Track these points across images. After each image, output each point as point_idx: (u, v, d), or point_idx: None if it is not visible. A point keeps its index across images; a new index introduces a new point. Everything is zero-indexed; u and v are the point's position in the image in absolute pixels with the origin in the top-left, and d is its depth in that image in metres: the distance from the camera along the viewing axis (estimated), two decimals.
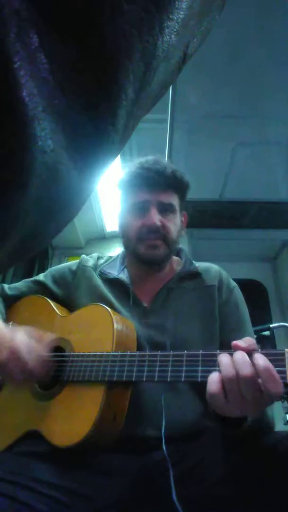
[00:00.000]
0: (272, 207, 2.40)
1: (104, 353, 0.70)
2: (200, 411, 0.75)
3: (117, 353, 0.69)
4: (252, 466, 0.62)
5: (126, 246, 0.95)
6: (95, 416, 0.64)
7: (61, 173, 0.21)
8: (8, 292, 0.96)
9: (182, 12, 0.22)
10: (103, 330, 0.74)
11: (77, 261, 1.02)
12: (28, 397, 0.77)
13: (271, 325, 1.84)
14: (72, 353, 0.75)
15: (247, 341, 0.57)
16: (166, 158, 1.02)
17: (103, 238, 2.72)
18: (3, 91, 0.15)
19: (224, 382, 0.54)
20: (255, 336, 1.19)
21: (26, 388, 0.78)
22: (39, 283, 0.98)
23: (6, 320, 0.90)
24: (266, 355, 0.54)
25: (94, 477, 0.66)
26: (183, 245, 1.08)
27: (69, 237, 2.57)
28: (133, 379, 0.65)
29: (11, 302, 0.96)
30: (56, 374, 0.75)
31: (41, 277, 1.00)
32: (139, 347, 0.77)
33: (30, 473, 0.62)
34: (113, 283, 0.92)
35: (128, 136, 0.28)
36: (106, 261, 1.01)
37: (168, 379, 0.62)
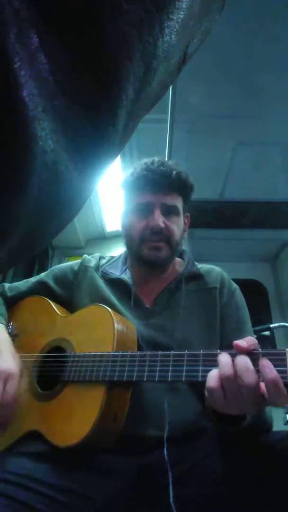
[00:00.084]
0: (272, 207, 2.40)
1: (105, 353, 0.70)
2: (199, 411, 0.75)
3: (117, 353, 0.69)
4: (252, 466, 0.62)
5: (129, 247, 0.95)
6: (95, 416, 0.64)
7: (61, 173, 0.21)
8: (9, 292, 0.96)
9: (182, 12, 0.22)
10: (104, 330, 0.74)
11: (79, 261, 1.01)
12: (29, 398, 0.77)
13: (271, 325, 1.84)
14: (73, 354, 0.75)
15: (248, 340, 0.57)
16: (166, 158, 1.02)
17: (103, 238, 2.72)
18: (3, 91, 0.15)
19: (222, 380, 0.54)
20: (255, 336, 1.19)
21: (26, 387, 0.78)
22: (40, 282, 0.98)
23: (7, 321, 0.90)
24: (266, 354, 0.54)
25: (94, 477, 0.66)
26: (183, 245, 1.08)
27: (69, 237, 2.57)
28: (134, 379, 0.65)
29: (12, 302, 0.96)
30: (56, 374, 0.75)
31: (42, 276, 1.00)
32: (140, 348, 0.77)
33: (30, 473, 0.62)
34: (115, 283, 0.92)
35: (128, 137, 0.28)
36: (108, 261, 1.01)
37: (169, 379, 0.62)
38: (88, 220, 2.49)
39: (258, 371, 0.53)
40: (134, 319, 0.83)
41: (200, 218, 2.50)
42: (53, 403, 0.73)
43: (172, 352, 0.64)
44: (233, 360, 0.55)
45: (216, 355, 0.58)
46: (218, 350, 0.59)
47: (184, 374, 0.61)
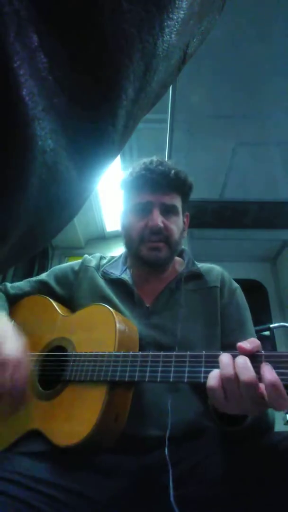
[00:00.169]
0: (272, 207, 2.40)
1: (107, 353, 0.70)
2: (200, 411, 0.75)
3: (119, 353, 0.69)
4: (252, 466, 0.62)
5: (128, 247, 0.95)
6: (96, 416, 0.64)
7: (61, 173, 0.21)
8: (11, 290, 0.96)
9: (182, 12, 0.22)
10: (105, 330, 0.74)
11: (79, 261, 1.02)
12: (30, 397, 0.77)
13: (271, 325, 1.84)
14: (74, 353, 0.75)
15: (252, 342, 0.56)
16: (166, 158, 1.02)
17: (103, 238, 2.72)
18: (3, 91, 0.15)
19: (222, 380, 0.54)
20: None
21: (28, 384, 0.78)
22: (41, 282, 0.98)
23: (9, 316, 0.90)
24: (270, 357, 0.54)
25: (94, 477, 0.66)
26: (183, 245, 1.08)
27: (69, 237, 2.57)
28: (136, 379, 0.65)
29: (13, 300, 0.96)
30: (58, 374, 0.75)
31: (43, 276, 1.00)
32: (141, 348, 0.77)
33: (30, 472, 0.62)
34: (115, 283, 0.92)
35: (128, 136, 0.28)
36: (108, 261, 1.01)
37: (171, 380, 0.62)
38: (88, 220, 2.49)
39: (258, 372, 0.53)
40: (134, 319, 0.83)
41: (200, 218, 2.50)
42: (54, 402, 0.73)
43: (174, 352, 0.64)
44: (234, 361, 0.55)
45: (218, 356, 0.58)
46: (220, 351, 0.59)
47: (186, 375, 0.61)
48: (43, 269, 2.36)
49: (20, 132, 0.16)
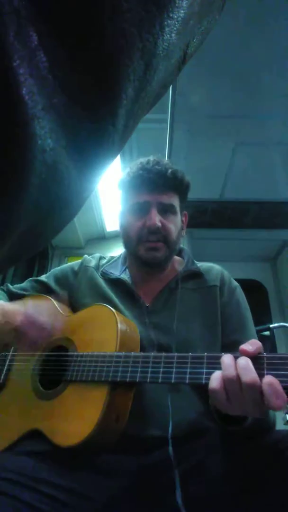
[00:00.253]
0: (272, 207, 2.40)
1: (108, 354, 0.70)
2: (202, 411, 0.75)
3: (121, 354, 0.69)
4: (254, 465, 0.62)
5: (127, 246, 0.95)
6: (97, 416, 0.64)
7: (61, 173, 0.21)
8: (14, 290, 0.97)
9: (182, 11, 0.22)
10: (107, 330, 0.74)
11: (79, 261, 1.02)
12: (31, 396, 0.77)
13: (271, 325, 1.84)
14: (75, 353, 0.75)
15: (253, 344, 0.56)
16: (166, 158, 1.02)
17: (103, 238, 2.72)
18: (3, 90, 0.15)
19: (224, 381, 0.54)
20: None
21: (28, 383, 0.78)
22: (42, 283, 0.99)
23: None
24: (273, 358, 0.54)
25: (94, 477, 0.66)
26: (183, 245, 1.08)
27: (69, 237, 2.57)
28: (137, 380, 0.65)
29: (16, 299, 0.96)
30: (59, 374, 0.75)
31: (43, 278, 1.01)
32: (141, 347, 0.77)
33: (31, 472, 0.62)
34: (115, 283, 0.92)
35: (128, 136, 0.28)
36: (108, 261, 1.02)
37: (173, 381, 0.61)
38: (88, 220, 2.49)
39: (260, 374, 0.53)
40: (134, 319, 0.83)
41: (200, 218, 2.51)
42: (55, 402, 0.73)
43: (176, 354, 0.64)
44: (236, 362, 0.55)
45: (219, 357, 0.58)
46: (222, 353, 0.59)
47: (187, 376, 0.60)
48: (43, 269, 2.36)
49: (20, 131, 0.16)
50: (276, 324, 1.85)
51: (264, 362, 0.54)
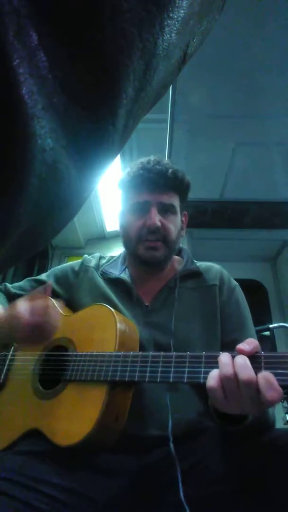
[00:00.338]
0: (272, 207, 2.40)
1: (107, 353, 0.70)
2: (201, 411, 0.75)
3: (120, 353, 0.69)
4: (253, 464, 0.62)
5: (127, 246, 0.95)
6: (97, 416, 0.64)
7: (61, 172, 0.21)
8: (11, 290, 0.97)
9: (182, 11, 0.22)
10: (106, 330, 0.74)
11: (79, 261, 1.02)
12: (30, 396, 0.77)
13: (271, 325, 1.84)
14: (75, 353, 0.76)
15: (250, 343, 0.57)
16: (166, 158, 1.02)
17: (103, 238, 2.72)
18: (3, 89, 0.15)
19: (222, 380, 0.54)
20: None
21: (28, 383, 0.78)
22: (41, 282, 0.98)
23: None
24: (270, 357, 0.54)
25: (94, 477, 0.66)
26: (183, 245, 1.08)
27: (69, 237, 2.57)
28: (136, 379, 0.65)
29: (14, 299, 0.96)
30: (58, 373, 0.75)
31: (43, 277, 1.00)
32: (140, 347, 0.77)
33: (30, 472, 0.62)
34: (115, 282, 0.92)
35: (128, 136, 0.28)
36: (108, 261, 1.02)
37: (171, 380, 0.62)
38: (88, 220, 2.49)
39: (257, 372, 0.53)
40: (133, 318, 0.83)
41: (200, 218, 2.51)
42: (54, 401, 0.73)
43: (174, 353, 0.64)
44: (233, 361, 0.55)
45: (217, 357, 0.58)
46: (220, 352, 0.59)
47: (186, 375, 0.61)
48: (43, 269, 2.36)
49: (20, 131, 0.16)
50: (276, 324, 1.85)
51: (261, 361, 0.54)
